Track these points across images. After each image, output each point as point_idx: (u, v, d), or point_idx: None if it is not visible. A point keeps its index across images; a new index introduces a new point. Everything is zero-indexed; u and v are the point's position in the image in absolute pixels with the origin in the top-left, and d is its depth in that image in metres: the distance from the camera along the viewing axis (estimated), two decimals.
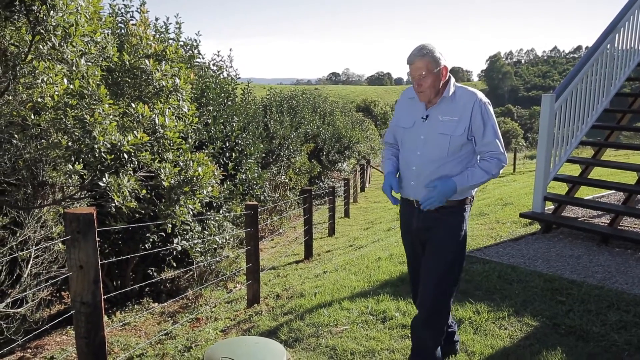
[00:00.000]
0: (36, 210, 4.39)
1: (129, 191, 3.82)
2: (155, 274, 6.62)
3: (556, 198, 6.24)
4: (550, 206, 6.56)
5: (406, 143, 2.79)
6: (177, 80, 4.61)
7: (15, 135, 3.80)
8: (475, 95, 2.64)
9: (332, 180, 19.20)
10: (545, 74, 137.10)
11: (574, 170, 7.74)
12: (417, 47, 2.61)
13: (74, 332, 5.08)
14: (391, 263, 5.34)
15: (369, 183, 24.16)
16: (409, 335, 3.62)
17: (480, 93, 2.66)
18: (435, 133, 2.65)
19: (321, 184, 18.19)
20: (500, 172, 2.68)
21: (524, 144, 54.89)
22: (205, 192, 4.39)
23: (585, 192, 7.80)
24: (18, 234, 4.27)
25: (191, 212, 4.41)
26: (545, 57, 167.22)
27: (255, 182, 8.33)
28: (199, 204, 4.51)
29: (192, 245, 6.27)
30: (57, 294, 6.12)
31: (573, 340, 3.36)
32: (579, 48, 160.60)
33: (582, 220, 6.39)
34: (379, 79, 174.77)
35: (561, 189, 7.59)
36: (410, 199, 2.80)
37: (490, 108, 2.66)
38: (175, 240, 6.10)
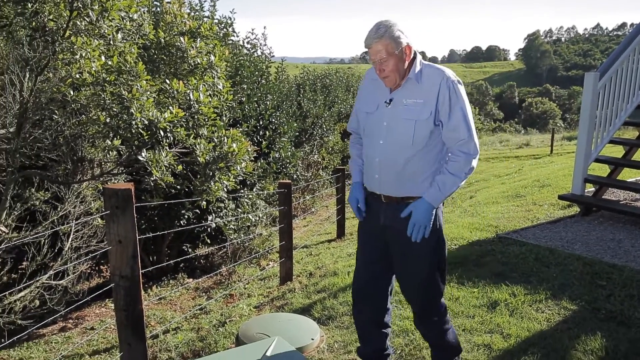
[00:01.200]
0: (75, 186, 4.49)
1: (166, 166, 3.86)
2: (190, 250, 6.72)
3: (597, 180, 6.06)
4: (590, 188, 6.37)
5: (368, 130, 2.49)
6: (212, 58, 4.61)
7: (56, 112, 3.87)
8: (443, 73, 2.31)
9: None
10: (587, 53, 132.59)
11: (617, 151, 7.50)
12: (373, 27, 2.29)
13: (112, 305, 5.22)
14: None
15: None
16: None
17: (449, 71, 2.33)
18: (399, 119, 2.35)
19: None
20: (475, 165, 2.30)
21: (562, 125, 53.46)
22: (239, 169, 4.41)
23: (628, 175, 7.54)
24: (59, 209, 4.38)
25: (226, 189, 4.44)
26: (587, 35, 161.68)
27: (288, 161, 8.34)
28: (234, 181, 4.54)
29: (226, 222, 6.33)
30: (96, 268, 6.29)
31: (614, 326, 3.27)
32: (623, 25, 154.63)
33: (624, 203, 6.19)
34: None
35: (602, 171, 7.38)
36: (376, 193, 2.50)
37: (461, 88, 2.32)
38: (210, 218, 6.17)
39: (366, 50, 2.33)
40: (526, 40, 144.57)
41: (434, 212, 2.35)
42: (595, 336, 3.13)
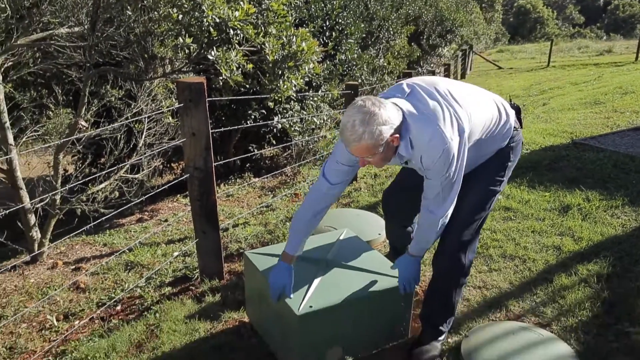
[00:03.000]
0: (147, 84, 4.59)
1: (235, 66, 3.85)
2: (255, 151, 6.87)
3: None
4: None
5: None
6: None
7: (129, 7, 3.88)
8: (435, 147, 1.90)
9: (432, 65, 18.42)
10: None
11: None
12: (348, 123, 1.83)
13: (184, 200, 5.50)
14: None
15: (470, 70, 23.00)
16: (511, 217, 3.56)
17: (440, 134, 1.89)
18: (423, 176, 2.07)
19: (420, 69, 17.52)
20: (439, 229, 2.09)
21: None
22: (307, 69, 4.35)
23: None
24: (132, 106, 4.53)
25: (295, 87, 4.42)
26: None
27: (354, 63, 8.16)
28: (302, 81, 4.50)
29: (291, 124, 6.37)
30: (168, 165, 6.57)
31: None
32: None
33: None
34: None
35: None
36: None
37: (454, 148, 1.91)
38: (276, 119, 6.23)
39: None
40: None
41: (420, 263, 2.24)
42: None
